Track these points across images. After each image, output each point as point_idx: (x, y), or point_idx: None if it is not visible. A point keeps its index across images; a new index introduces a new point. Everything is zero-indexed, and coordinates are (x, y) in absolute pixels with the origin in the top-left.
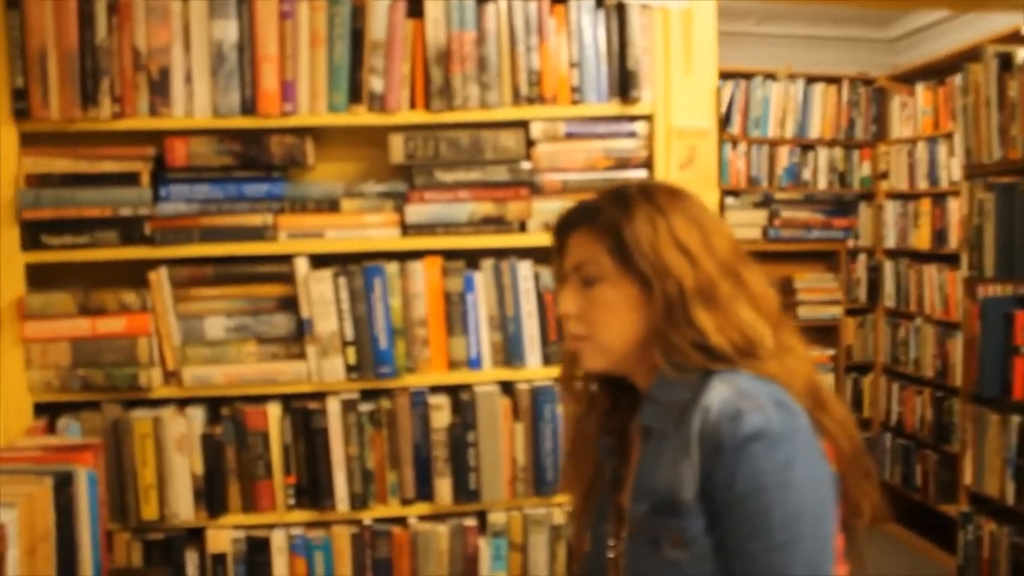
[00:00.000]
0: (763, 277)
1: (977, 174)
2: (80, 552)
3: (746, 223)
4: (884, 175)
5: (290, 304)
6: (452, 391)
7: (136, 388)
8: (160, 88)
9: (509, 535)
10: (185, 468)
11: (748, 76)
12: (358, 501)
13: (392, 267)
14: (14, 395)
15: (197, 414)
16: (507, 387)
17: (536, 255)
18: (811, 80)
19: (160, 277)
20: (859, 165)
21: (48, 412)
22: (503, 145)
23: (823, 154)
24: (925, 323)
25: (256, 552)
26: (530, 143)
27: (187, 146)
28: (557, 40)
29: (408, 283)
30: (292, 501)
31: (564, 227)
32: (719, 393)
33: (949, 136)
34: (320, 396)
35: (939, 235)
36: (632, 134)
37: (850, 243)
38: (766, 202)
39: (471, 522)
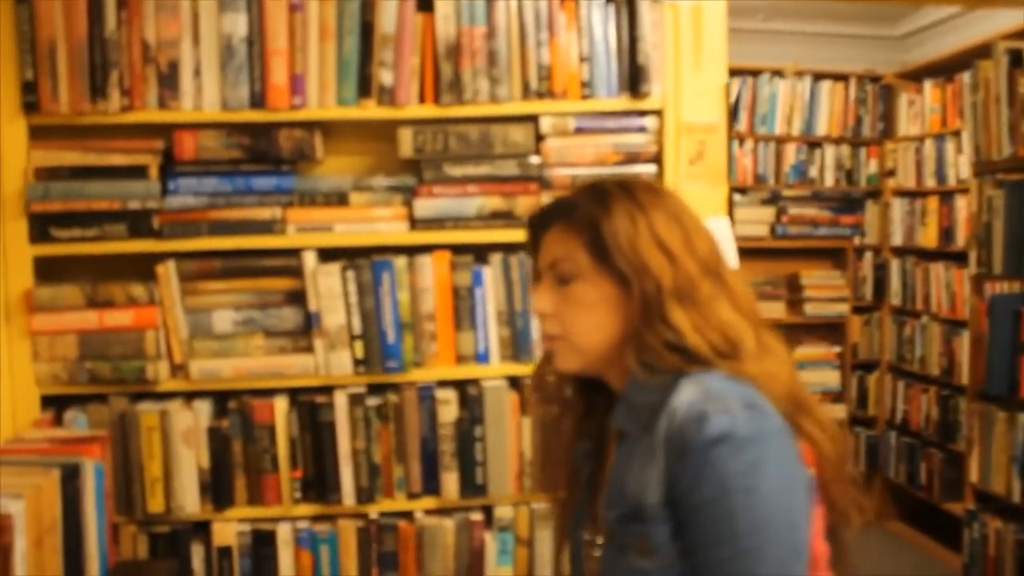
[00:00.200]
0: (742, 278)
1: (986, 171)
2: (86, 544)
3: (754, 220)
4: (891, 173)
5: (298, 298)
6: (459, 386)
7: (143, 381)
8: (169, 81)
9: (515, 530)
10: (191, 461)
11: (755, 73)
12: (364, 495)
13: (400, 261)
14: (21, 387)
15: (204, 407)
16: (515, 382)
17: None
18: (818, 77)
19: (168, 270)
20: (866, 163)
21: (55, 405)
22: (512, 139)
23: (830, 151)
24: (931, 321)
25: (262, 545)
26: (539, 138)
27: (196, 139)
28: (567, 35)
29: (416, 277)
30: (298, 495)
31: (539, 223)
32: (686, 395)
33: (957, 134)
34: (327, 390)
35: (946, 233)
36: (642, 129)
37: (856, 241)
38: (774, 199)
39: (477, 516)
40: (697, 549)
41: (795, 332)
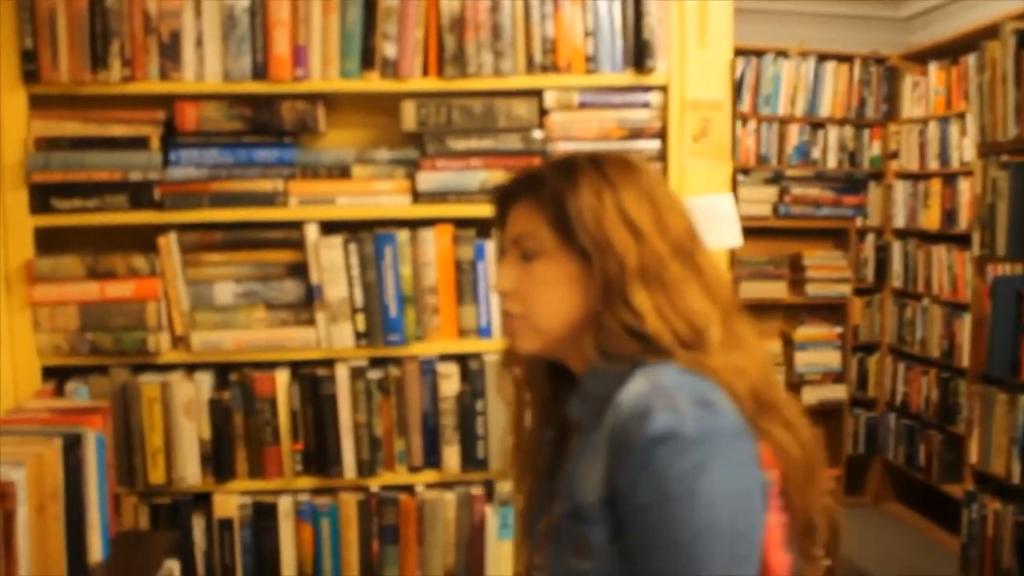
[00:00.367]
0: (717, 263)
1: (991, 152)
2: (88, 513)
3: (757, 199)
4: (894, 155)
5: (300, 270)
6: (461, 359)
7: (144, 353)
8: (171, 52)
9: (516, 504)
10: (193, 433)
11: (759, 53)
12: (365, 468)
13: (403, 235)
14: (23, 358)
15: (205, 379)
16: None
17: None
18: (823, 58)
19: (169, 242)
20: (869, 144)
21: (56, 376)
22: (516, 113)
23: (833, 133)
24: (932, 304)
25: (263, 518)
26: (543, 112)
27: (197, 111)
28: (572, 9)
29: (419, 251)
30: (299, 467)
31: (506, 197)
32: (635, 388)
33: (961, 116)
34: (329, 363)
35: (949, 215)
36: (646, 104)
37: (859, 222)
38: (777, 179)
39: (478, 491)
40: (635, 556)
41: (797, 312)
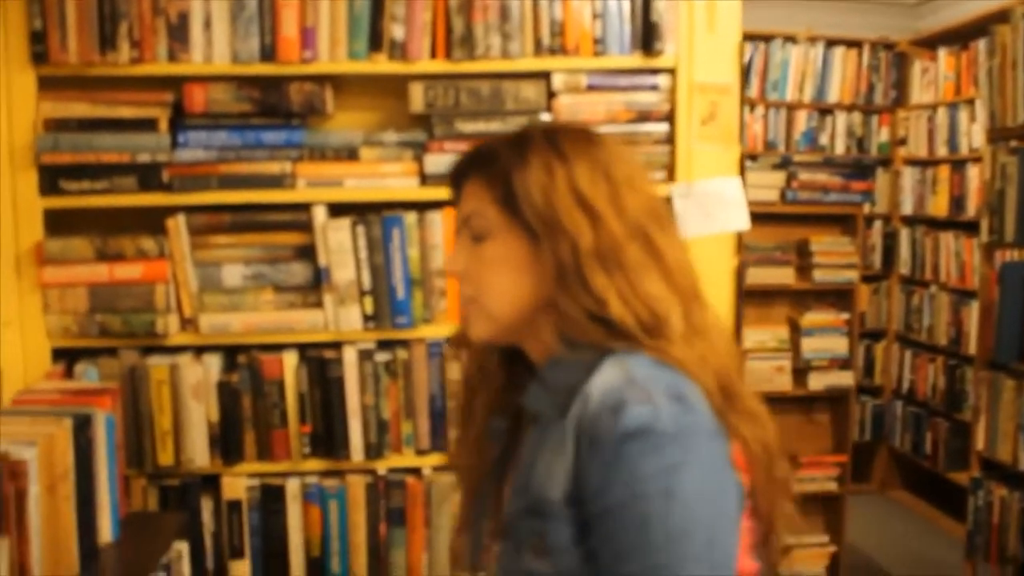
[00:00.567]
0: (682, 245)
1: (1000, 137)
2: (98, 493)
3: (764, 184)
4: (902, 141)
5: (307, 253)
6: None
7: (153, 335)
8: (179, 33)
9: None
10: (201, 415)
11: (767, 38)
12: (373, 451)
13: (411, 217)
14: (33, 340)
15: (213, 361)
16: None
17: None
18: (831, 43)
19: (178, 224)
20: (877, 131)
21: (66, 357)
22: (524, 96)
23: (841, 119)
24: (940, 291)
25: (271, 500)
26: (551, 94)
27: (206, 92)
28: None
29: (426, 233)
30: (307, 450)
31: (459, 174)
32: (605, 378)
33: (971, 102)
34: (336, 345)
35: (957, 202)
36: (654, 87)
37: (866, 209)
38: (784, 164)
39: None
40: (602, 559)
41: (803, 298)
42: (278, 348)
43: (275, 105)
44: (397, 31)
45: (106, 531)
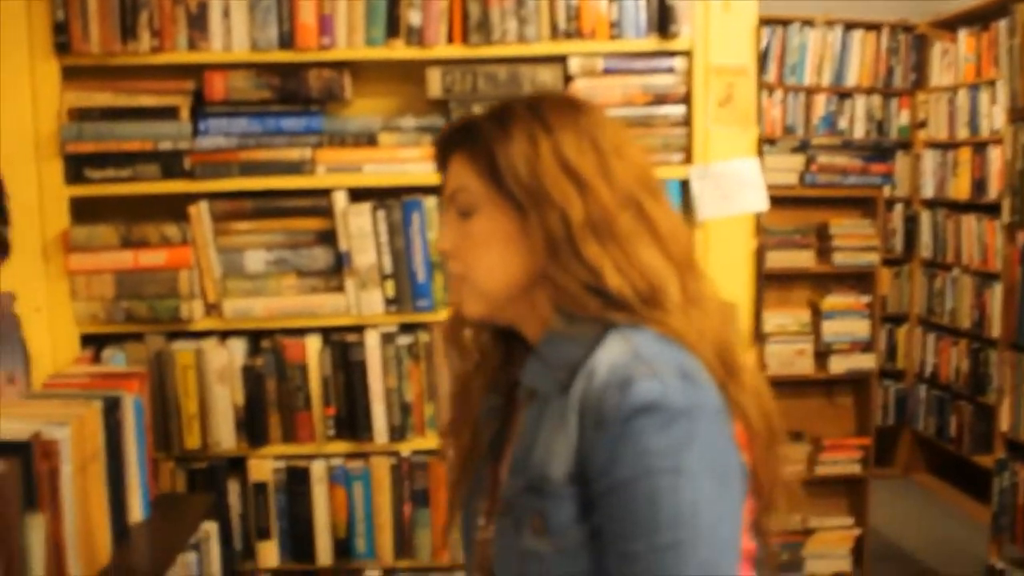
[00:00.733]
0: (674, 214)
1: (1021, 118)
2: (128, 475)
3: (783, 168)
4: (923, 124)
5: (329, 238)
6: None
7: (178, 320)
8: (198, 22)
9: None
10: (226, 399)
11: (785, 22)
12: (396, 433)
13: (430, 201)
14: (61, 326)
15: (238, 346)
16: None
17: None
18: (849, 27)
19: (200, 211)
20: (897, 114)
21: (94, 343)
22: (541, 80)
23: (860, 102)
24: (963, 273)
25: (296, 481)
26: (568, 78)
27: (226, 80)
28: None
29: None
30: (331, 432)
31: (444, 148)
32: (611, 353)
33: (991, 83)
34: (359, 329)
35: (978, 184)
36: (670, 70)
37: (887, 192)
38: (803, 147)
39: None
40: (608, 538)
41: (824, 281)
42: (301, 332)
43: (294, 92)
44: (414, 17)
45: (136, 511)
